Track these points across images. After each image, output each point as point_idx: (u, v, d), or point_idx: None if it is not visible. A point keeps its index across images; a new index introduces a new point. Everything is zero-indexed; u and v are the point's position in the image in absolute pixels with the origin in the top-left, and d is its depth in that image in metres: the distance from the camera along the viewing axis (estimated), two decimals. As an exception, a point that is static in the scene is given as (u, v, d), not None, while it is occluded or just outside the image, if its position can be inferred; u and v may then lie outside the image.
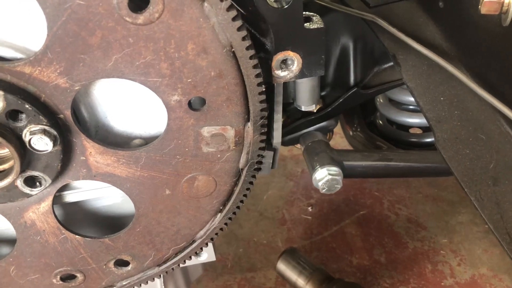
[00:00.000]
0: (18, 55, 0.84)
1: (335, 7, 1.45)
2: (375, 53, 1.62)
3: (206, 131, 0.92)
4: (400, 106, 1.97)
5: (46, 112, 0.85)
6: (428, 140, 2.01)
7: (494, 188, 1.14)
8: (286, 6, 0.84)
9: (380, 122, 2.08)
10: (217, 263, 2.16)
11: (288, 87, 1.10)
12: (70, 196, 1.04)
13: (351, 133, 2.11)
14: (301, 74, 0.93)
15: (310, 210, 2.40)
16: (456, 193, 2.39)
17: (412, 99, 1.91)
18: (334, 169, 1.56)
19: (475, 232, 2.22)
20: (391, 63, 1.62)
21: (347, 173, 1.60)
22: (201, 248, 1.15)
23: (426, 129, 2.04)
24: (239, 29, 0.79)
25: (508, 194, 1.12)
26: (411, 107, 1.99)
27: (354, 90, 1.62)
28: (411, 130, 2.06)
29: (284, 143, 1.72)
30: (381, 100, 1.99)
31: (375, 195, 2.43)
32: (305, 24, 0.88)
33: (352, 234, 2.27)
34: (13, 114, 0.84)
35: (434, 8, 1.34)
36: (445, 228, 2.25)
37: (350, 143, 2.12)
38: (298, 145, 1.73)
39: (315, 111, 1.63)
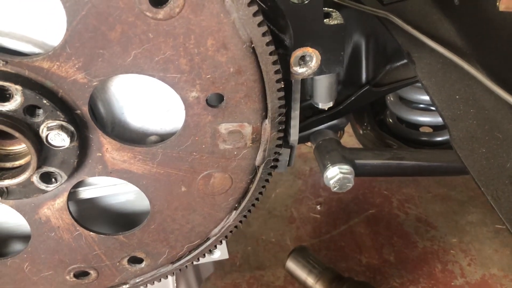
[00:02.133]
0: (36, 50, 0.84)
1: (348, 4, 1.43)
2: (387, 51, 1.61)
3: (224, 128, 0.91)
4: (411, 104, 1.96)
5: (64, 108, 0.84)
6: (439, 139, 2.00)
7: (511, 187, 1.13)
8: (306, 2, 0.83)
9: (390, 120, 2.07)
10: (226, 262, 2.15)
11: (306, 84, 1.09)
12: (85, 193, 1.03)
13: (361, 131, 2.10)
14: (320, 70, 0.92)
15: (319, 208, 2.39)
16: (466, 193, 2.37)
17: (423, 97, 1.92)
18: (346, 168, 1.55)
19: (485, 232, 2.20)
20: (403, 61, 1.61)
21: (359, 172, 1.59)
22: (215, 246, 1.14)
23: (436, 128, 2.03)
24: (259, 24, 0.78)
25: (525, 194, 1.11)
26: (421, 105, 1.98)
27: (366, 88, 1.61)
28: (421, 129, 2.05)
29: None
30: (391, 99, 1.98)
31: (384, 194, 2.42)
32: (325, 20, 0.87)
33: (361, 233, 2.26)
34: (30, 110, 0.83)
35: (449, 5, 1.33)
36: (455, 227, 2.24)
37: (360, 142, 2.11)
38: (309, 143, 1.72)
39: (326, 108, 1.62)
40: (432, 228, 2.25)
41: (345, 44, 1.55)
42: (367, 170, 1.65)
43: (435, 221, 2.27)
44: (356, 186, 2.52)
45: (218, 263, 2.10)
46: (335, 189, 1.56)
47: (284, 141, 1.01)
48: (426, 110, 1.98)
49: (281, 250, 2.21)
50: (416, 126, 2.03)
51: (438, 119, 1.96)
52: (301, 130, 1.65)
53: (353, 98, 1.62)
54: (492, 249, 2.13)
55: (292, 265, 1.97)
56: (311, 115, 1.65)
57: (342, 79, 1.62)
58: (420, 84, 1.81)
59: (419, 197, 2.38)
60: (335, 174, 1.55)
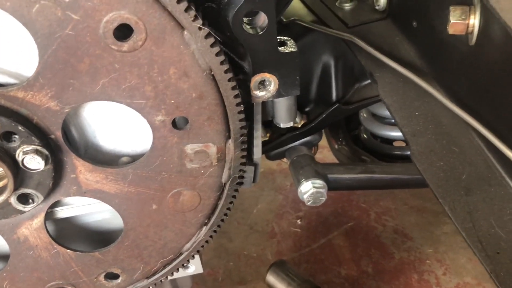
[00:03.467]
0: (12, 81, 0.90)
1: (315, 28, 1.52)
2: (355, 70, 1.69)
3: (190, 148, 0.97)
4: (383, 120, 2.04)
5: (38, 133, 0.90)
6: (411, 152, 2.06)
7: (466, 198, 1.20)
8: (261, 32, 0.91)
9: (365, 136, 2.14)
10: (208, 277, 2.20)
11: (267, 106, 1.17)
12: (61, 212, 1.09)
13: (336, 146, 2.16)
14: (278, 94, 0.99)
15: (299, 222, 2.45)
16: (440, 205, 2.44)
17: (394, 113, 1.99)
18: (319, 182, 1.62)
19: (459, 242, 2.27)
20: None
21: (332, 186, 1.66)
22: (188, 261, 1.20)
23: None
24: (217, 54, 0.86)
25: (480, 204, 1.18)
26: (393, 121, 2.05)
27: (336, 106, 1.69)
28: (395, 143, 2.12)
29: (271, 157, 1.78)
30: (364, 115, 2.06)
31: (362, 207, 2.48)
32: (280, 48, 0.95)
33: (340, 246, 2.32)
34: (6, 136, 0.89)
35: (409, 27, 1.41)
36: (430, 238, 2.31)
37: (336, 157, 2.18)
38: (285, 159, 1.79)
39: (299, 126, 1.69)
40: (408, 239, 2.31)
41: (314, 64, 1.63)
42: (339, 184, 1.72)
43: (411, 232, 2.34)
44: (335, 199, 2.60)
45: (200, 279, 2.15)
46: (309, 203, 1.63)
47: (248, 159, 1.08)
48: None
49: (262, 264, 2.26)
50: (390, 140, 2.10)
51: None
52: (276, 146, 1.73)
53: (324, 116, 1.69)
54: (465, 258, 2.20)
55: (271, 278, 2.01)
56: (285, 132, 1.72)
57: (314, 98, 1.70)
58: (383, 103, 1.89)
59: (396, 209, 2.45)
60: (309, 188, 1.62)
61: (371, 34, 1.48)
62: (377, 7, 1.52)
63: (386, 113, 2.00)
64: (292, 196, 2.60)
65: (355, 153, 2.11)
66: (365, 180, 1.76)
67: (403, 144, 2.14)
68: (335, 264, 2.23)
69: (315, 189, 1.63)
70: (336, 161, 2.21)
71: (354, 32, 1.48)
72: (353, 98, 1.71)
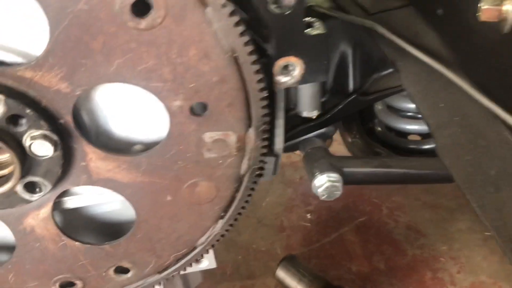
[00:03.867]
0: (19, 60, 0.84)
1: (334, 14, 1.45)
2: (373, 60, 1.62)
3: (208, 136, 0.91)
4: (399, 113, 1.98)
5: (47, 117, 0.84)
6: (427, 146, 2.01)
7: (496, 194, 1.14)
8: (287, 12, 0.84)
9: (379, 128, 2.08)
10: (216, 271, 2.14)
11: (289, 93, 1.10)
12: (70, 202, 1.03)
13: (350, 139, 2.11)
14: (303, 79, 0.93)
15: (309, 217, 2.39)
16: (455, 200, 2.39)
17: (410, 105, 1.93)
18: (334, 176, 1.56)
19: (474, 239, 2.21)
20: (390, 70, 1.63)
21: (347, 180, 1.60)
22: (202, 255, 1.14)
23: (424, 136, 2.04)
24: (241, 34, 0.79)
25: (510, 201, 1.12)
26: (409, 114, 2.00)
27: (353, 96, 1.63)
28: (410, 137, 2.06)
29: (283, 149, 1.72)
30: (380, 107, 2.00)
31: (374, 202, 2.42)
32: (307, 30, 0.89)
33: (351, 241, 2.26)
34: (13, 119, 0.83)
35: (433, 15, 1.35)
36: (444, 235, 2.25)
37: (349, 150, 2.12)
38: (298, 152, 1.73)
39: (314, 117, 1.63)
40: (421, 235, 2.25)
41: (331, 53, 1.57)
42: (355, 178, 1.66)
43: (425, 229, 2.28)
44: (346, 194, 2.53)
45: (208, 273, 2.09)
46: (323, 197, 1.57)
47: (269, 149, 1.02)
48: (414, 118, 1.99)
49: (271, 259, 2.20)
50: (405, 134, 2.04)
51: (426, 127, 1.99)
52: (290, 138, 1.67)
53: (340, 107, 1.63)
54: (481, 256, 2.14)
55: (282, 274, 1.96)
56: (299, 123, 1.65)
57: (330, 88, 1.64)
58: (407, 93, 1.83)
59: (409, 205, 2.39)
60: (323, 182, 1.55)
61: (393, 21, 1.42)
62: (399, -7, 1.45)
63: (402, 105, 1.95)
64: (301, 189, 2.55)
65: (369, 146, 2.06)
66: (381, 174, 1.70)
67: (418, 138, 2.08)
68: (346, 260, 2.18)
69: (330, 183, 1.57)
70: (347, 154, 2.15)
71: (375, 19, 1.42)
72: (370, 88, 1.65)
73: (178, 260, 1.13)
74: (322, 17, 1.49)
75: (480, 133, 1.20)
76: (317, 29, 0.89)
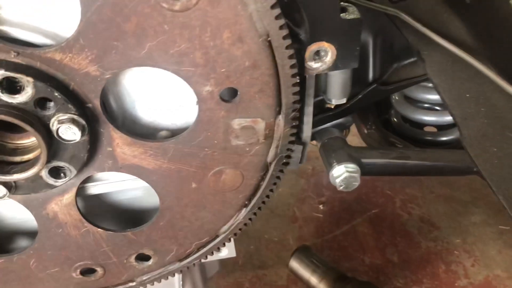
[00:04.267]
0: (48, 41, 0.82)
1: (357, 2, 1.42)
2: (394, 49, 1.60)
3: (237, 123, 0.89)
4: (416, 104, 1.95)
5: (75, 101, 0.82)
6: (443, 138, 1.99)
7: (523, 187, 1.12)
8: (323, -5, 0.82)
9: (395, 120, 2.06)
10: (228, 260, 2.13)
11: (320, 80, 1.08)
12: (94, 188, 1.02)
13: (365, 130, 2.08)
14: (335, 66, 0.90)
15: (322, 208, 2.38)
16: (469, 193, 2.37)
17: (428, 96, 1.91)
18: (352, 166, 1.53)
19: (489, 233, 2.20)
20: (411, 60, 1.60)
21: (365, 171, 1.58)
22: (224, 244, 1.13)
23: (441, 128, 2.02)
24: (277, 17, 0.77)
25: (537, 193, 1.10)
26: (426, 105, 1.97)
27: (373, 86, 1.60)
28: (426, 129, 2.04)
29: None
30: (396, 98, 1.97)
31: (387, 194, 2.41)
32: (341, 14, 0.86)
33: (364, 233, 2.25)
34: (41, 102, 0.81)
35: (460, 3, 1.32)
36: (458, 228, 2.23)
37: (365, 141, 2.09)
38: (314, 142, 1.71)
39: (333, 107, 1.61)
40: (435, 228, 2.24)
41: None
42: (373, 169, 1.64)
43: (438, 222, 2.26)
44: (359, 186, 2.48)
45: (221, 262, 2.09)
46: (341, 187, 1.55)
47: (297, 137, 1.00)
48: (431, 109, 1.97)
49: (283, 249, 2.19)
50: (421, 125, 2.02)
51: (443, 119, 1.96)
52: (306, 128, 1.65)
53: (360, 96, 1.60)
54: (495, 250, 2.12)
55: (295, 264, 1.95)
56: (317, 113, 1.63)
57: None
58: (426, 83, 1.81)
59: (422, 197, 2.38)
60: (342, 172, 1.53)
61: (417, 9, 1.39)
62: (424, -19, 1.42)
63: (420, 96, 1.92)
64: (314, 180, 2.53)
65: (385, 137, 2.03)
66: (399, 166, 1.68)
67: (435, 130, 2.06)
68: (359, 252, 2.17)
69: (348, 173, 1.55)
70: (360, 145, 2.13)
71: (400, 6, 1.39)
72: (391, 78, 1.62)
73: (199, 248, 1.12)
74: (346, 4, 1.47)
75: (507, 124, 1.18)
76: (351, 13, 0.87)
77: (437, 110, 1.96)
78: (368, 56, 1.59)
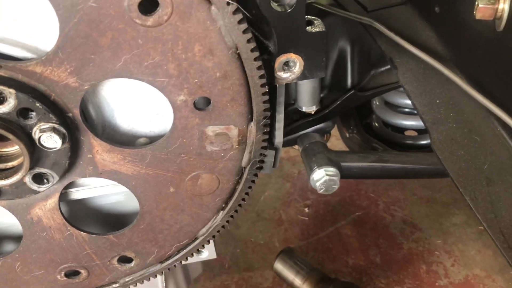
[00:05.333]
0: (29, 55, 0.87)
1: (333, 11, 1.48)
2: (371, 56, 1.65)
3: (211, 130, 0.94)
4: (396, 108, 2.01)
5: (56, 111, 0.87)
6: (423, 142, 2.04)
7: (488, 188, 1.17)
8: (289, 10, 0.87)
9: (376, 124, 2.11)
10: (215, 263, 2.18)
11: (290, 89, 1.13)
12: (76, 194, 1.06)
13: (347, 135, 2.14)
14: (303, 75, 0.96)
15: (307, 211, 2.43)
16: (450, 195, 2.43)
17: (407, 101, 1.96)
18: (332, 170, 1.59)
19: (469, 234, 2.26)
20: (388, 67, 1.66)
21: (344, 174, 1.63)
22: (203, 246, 1.17)
23: (421, 132, 2.07)
24: (244, 31, 0.82)
25: (502, 194, 1.16)
26: (406, 109, 2.03)
27: (351, 92, 1.66)
28: (406, 133, 2.10)
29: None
30: (377, 103, 2.03)
31: (371, 196, 2.46)
32: (307, 28, 0.91)
33: (348, 235, 2.30)
34: (23, 112, 0.86)
35: (430, 12, 1.37)
36: (440, 229, 2.29)
37: (347, 145, 2.15)
38: (296, 146, 1.76)
39: (313, 112, 1.66)
40: (417, 229, 2.29)
41: (330, 49, 1.60)
42: (352, 172, 1.69)
43: (420, 223, 2.32)
44: (343, 188, 2.58)
45: (207, 265, 2.13)
46: (321, 191, 1.60)
47: (269, 143, 1.05)
48: (410, 114, 2.02)
49: (269, 252, 2.24)
50: (401, 129, 2.08)
51: (422, 123, 2.02)
52: (288, 133, 1.70)
53: (338, 102, 1.66)
54: (475, 250, 2.18)
55: (279, 266, 2.00)
56: (298, 118, 1.68)
57: (328, 84, 1.67)
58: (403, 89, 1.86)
59: (405, 200, 2.43)
60: (321, 176, 1.59)
61: (390, 19, 1.44)
62: (397, -8, 1.48)
63: (399, 101, 1.98)
64: (299, 184, 2.58)
65: (366, 141, 2.09)
66: (378, 169, 1.73)
67: (415, 134, 2.12)
68: (343, 253, 2.22)
69: (328, 177, 1.60)
70: (344, 149, 2.19)
71: (373, 16, 1.44)
72: (368, 84, 1.68)
73: (179, 250, 1.16)
74: (321, 14, 1.53)
75: (474, 128, 1.23)
76: (317, 26, 0.92)
77: (416, 114, 2.01)
78: (346, 63, 1.65)
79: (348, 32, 1.61)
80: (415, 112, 2.02)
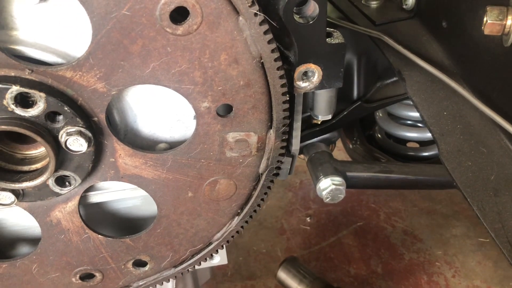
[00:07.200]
0: (59, 60, 0.89)
1: (342, 24, 1.51)
2: (378, 69, 1.69)
3: (231, 136, 0.97)
4: (399, 120, 2.05)
5: (83, 115, 0.89)
6: (425, 154, 2.08)
7: (495, 198, 1.20)
8: (311, 22, 0.90)
9: (379, 135, 2.15)
10: (218, 271, 2.20)
11: (307, 98, 1.16)
12: (96, 197, 1.08)
13: (350, 145, 2.17)
14: (321, 85, 0.99)
15: (309, 220, 2.45)
16: (450, 207, 2.46)
17: (410, 113, 2.00)
18: (338, 179, 1.62)
19: (469, 245, 2.29)
20: (393, 79, 1.70)
21: (350, 184, 1.66)
22: (217, 251, 1.19)
23: (423, 143, 2.11)
24: (269, 42, 0.85)
25: (509, 205, 1.18)
26: (409, 121, 2.07)
27: (358, 103, 1.69)
28: (409, 144, 2.13)
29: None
30: (380, 115, 2.06)
31: (372, 207, 2.49)
32: (327, 39, 0.95)
33: (350, 245, 2.32)
34: (51, 116, 0.88)
35: (438, 27, 1.41)
36: (440, 240, 2.32)
37: (350, 156, 2.18)
38: (302, 156, 1.79)
39: (319, 122, 1.69)
40: (418, 240, 2.32)
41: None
42: (357, 182, 1.72)
43: (421, 234, 2.35)
44: (345, 199, 2.58)
45: (211, 271, 2.14)
46: (327, 200, 1.63)
47: (286, 150, 1.08)
48: (413, 126, 2.06)
49: (271, 260, 2.26)
50: (404, 141, 2.11)
51: (425, 135, 2.06)
52: (294, 143, 1.73)
53: (345, 113, 1.69)
54: (475, 261, 2.21)
55: (283, 274, 2.01)
56: (304, 128, 1.71)
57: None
58: (408, 101, 1.90)
59: (406, 211, 2.46)
60: (328, 185, 1.61)
61: (398, 32, 1.48)
62: (404, 6, 1.52)
63: (402, 113, 2.01)
64: (301, 193, 2.61)
65: (369, 152, 2.12)
66: (382, 179, 1.76)
67: (417, 145, 2.15)
68: (345, 263, 2.24)
69: (334, 186, 1.63)
70: (346, 160, 2.21)
71: (382, 29, 1.48)
72: (374, 96, 1.72)
73: (193, 255, 1.18)
74: (330, 27, 1.56)
75: (481, 140, 1.27)
76: (336, 38, 0.96)
77: (419, 126, 2.06)
78: (353, 75, 1.68)
79: (355, 45, 1.65)
80: (417, 124, 2.08)
